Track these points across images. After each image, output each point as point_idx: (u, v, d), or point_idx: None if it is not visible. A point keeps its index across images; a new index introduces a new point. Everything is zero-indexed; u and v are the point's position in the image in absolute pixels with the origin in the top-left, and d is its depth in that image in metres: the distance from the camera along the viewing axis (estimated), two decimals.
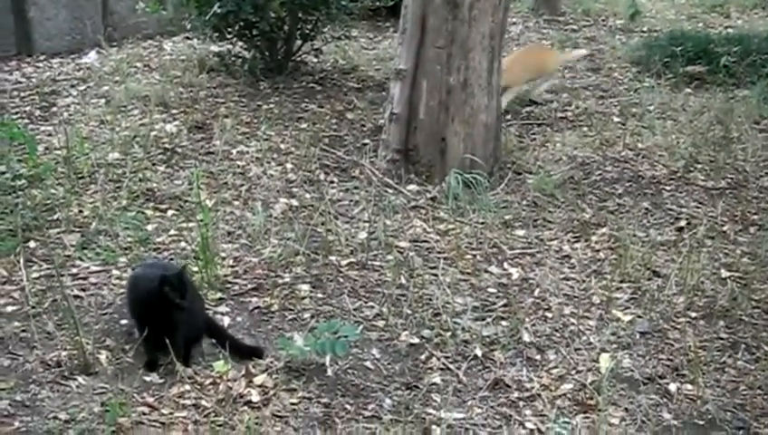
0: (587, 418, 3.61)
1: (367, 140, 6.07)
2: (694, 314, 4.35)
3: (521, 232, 5.06)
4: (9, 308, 4.15)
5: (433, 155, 5.57)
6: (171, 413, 3.52)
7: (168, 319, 3.68)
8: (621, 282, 4.59)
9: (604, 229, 5.11)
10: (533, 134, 6.47)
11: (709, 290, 4.53)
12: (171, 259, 4.55)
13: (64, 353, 3.82)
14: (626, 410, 3.68)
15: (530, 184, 5.58)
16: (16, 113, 6.40)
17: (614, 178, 5.76)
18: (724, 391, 3.83)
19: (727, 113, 6.72)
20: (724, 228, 5.18)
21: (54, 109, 6.49)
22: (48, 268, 4.43)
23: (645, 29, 9.51)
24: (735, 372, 3.96)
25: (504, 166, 5.75)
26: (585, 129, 6.56)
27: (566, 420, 3.58)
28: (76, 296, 4.25)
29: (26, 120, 6.26)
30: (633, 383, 3.84)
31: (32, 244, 4.65)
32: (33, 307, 4.13)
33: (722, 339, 4.18)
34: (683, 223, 5.21)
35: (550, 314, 4.31)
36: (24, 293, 4.23)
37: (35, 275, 4.40)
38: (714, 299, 4.45)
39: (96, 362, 3.77)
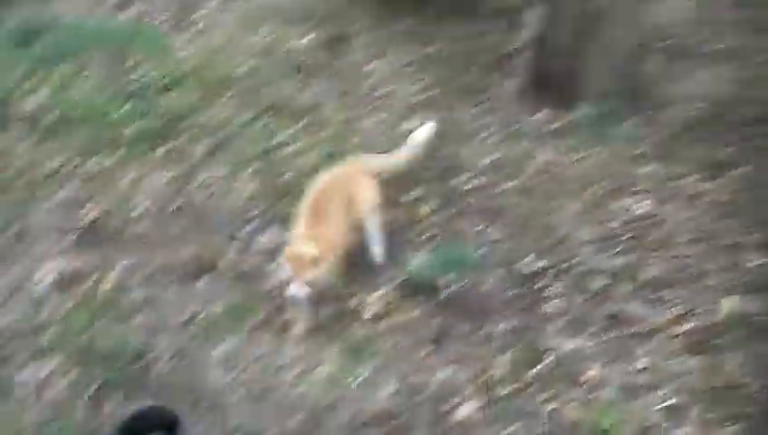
0: (703, 360, 3.51)
1: (500, 65, 5.95)
2: None
3: (651, 166, 4.89)
4: (138, 210, 4.30)
5: (566, 82, 5.42)
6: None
7: None
8: (754, 224, 4.40)
9: (740, 170, 4.88)
10: (674, 67, 6.20)
11: None
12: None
13: (188, 255, 3.95)
14: (744, 355, 3.55)
15: (666, 118, 5.37)
16: (154, 21, 6.53)
17: (757, 118, 5.47)
18: None
19: None
20: None
21: (191, 18, 6.60)
22: (177, 173, 4.56)
23: None
24: None
25: (639, 97, 5.55)
26: (732, 64, 6.24)
27: (681, 359, 3.49)
28: (202, 203, 4.37)
29: (164, 29, 6.39)
30: (755, 329, 3.70)
31: (162, 149, 4.79)
32: (161, 210, 4.27)
33: None
34: None
35: (675, 252, 4.18)
36: (152, 195, 4.38)
37: (164, 179, 4.53)
38: None
39: (218, 266, 3.89)
